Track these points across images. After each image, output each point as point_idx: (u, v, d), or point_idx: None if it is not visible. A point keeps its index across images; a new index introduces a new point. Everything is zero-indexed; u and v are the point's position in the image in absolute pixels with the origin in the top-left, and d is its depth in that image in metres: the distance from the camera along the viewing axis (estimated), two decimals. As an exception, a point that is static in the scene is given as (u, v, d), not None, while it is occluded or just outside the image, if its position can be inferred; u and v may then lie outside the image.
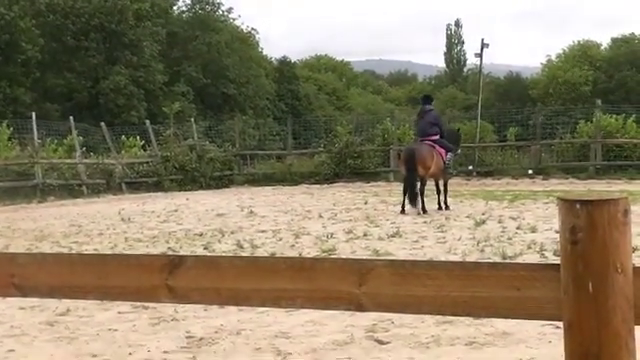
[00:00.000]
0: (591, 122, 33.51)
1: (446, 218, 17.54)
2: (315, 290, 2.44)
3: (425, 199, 19.34)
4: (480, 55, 41.09)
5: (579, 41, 72.14)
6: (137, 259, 2.80)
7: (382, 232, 15.08)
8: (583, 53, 69.03)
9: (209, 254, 12.41)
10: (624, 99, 51.57)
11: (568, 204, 2.15)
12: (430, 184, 20.21)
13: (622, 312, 2.10)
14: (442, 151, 20.00)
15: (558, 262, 2.17)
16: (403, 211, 19.11)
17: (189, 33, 59.17)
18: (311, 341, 7.19)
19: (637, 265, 2.17)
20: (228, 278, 2.52)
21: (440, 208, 19.88)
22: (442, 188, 20.22)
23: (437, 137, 20.08)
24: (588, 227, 2.10)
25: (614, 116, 33.57)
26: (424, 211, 18.96)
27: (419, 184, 19.19)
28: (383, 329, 7.44)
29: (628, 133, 32.77)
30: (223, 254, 12.33)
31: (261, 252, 12.89)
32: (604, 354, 2.11)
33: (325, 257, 11.77)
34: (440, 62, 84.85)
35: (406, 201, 19.14)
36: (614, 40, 70.80)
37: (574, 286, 2.12)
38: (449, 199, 20.41)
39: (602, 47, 71.57)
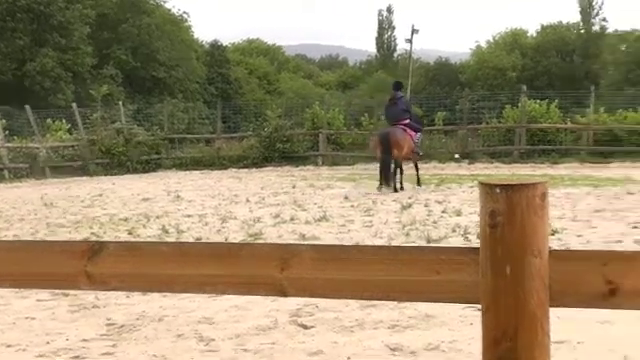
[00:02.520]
0: (516, 107, 33.99)
1: (373, 202, 17.64)
2: (237, 276, 2.43)
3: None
4: (410, 40, 41.51)
5: (508, 28, 73.08)
6: (56, 245, 2.76)
7: (309, 216, 15.11)
8: (512, 40, 69.89)
9: (133, 239, 12.33)
10: (548, 85, 52.40)
11: (488, 188, 2.17)
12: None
13: (538, 295, 2.14)
14: (413, 134, 21.45)
15: (478, 246, 2.19)
16: (380, 189, 20.23)
17: (119, 15, 58.40)
18: (235, 326, 7.17)
19: (554, 248, 2.21)
20: (150, 264, 2.50)
21: (419, 185, 21.43)
22: (414, 168, 21.92)
23: (408, 121, 21.45)
24: (507, 211, 2.13)
25: (538, 101, 34.10)
26: (401, 188, 20.46)
27: (393, 165, 20.66)
28: (307, 313, 7.46)
29: (551, 118, 33.34)
30: (148, 239, 12.27)
31: (187, 237, 12.83)
32: (520, 336, 2.14)
33: (249, 242, 11.77)
34: (371, 47, 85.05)
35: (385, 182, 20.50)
36: (543, 27, 71.79)
37: (492, 269, 2.15)
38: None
39: (530, 34, 72.57)
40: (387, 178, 20.43)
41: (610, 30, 69.11)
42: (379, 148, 20.88)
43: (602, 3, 66.07)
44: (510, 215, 2.13)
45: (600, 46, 66.77)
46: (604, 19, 67.17)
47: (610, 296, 2.16)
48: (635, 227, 12.85)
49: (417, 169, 21.87)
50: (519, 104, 33.80)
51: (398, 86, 22.76)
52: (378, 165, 21.26)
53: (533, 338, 2.15)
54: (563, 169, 27.94)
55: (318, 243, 10.87)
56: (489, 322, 2.19)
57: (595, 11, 66.18)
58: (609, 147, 31.98)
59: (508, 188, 2.14)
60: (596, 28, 67.04)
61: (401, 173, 21.24)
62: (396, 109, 21.55)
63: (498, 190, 2.15)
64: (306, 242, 11.70)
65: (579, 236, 12.04)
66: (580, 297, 2.19)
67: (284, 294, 2.45)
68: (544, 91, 38.64)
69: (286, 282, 2.40)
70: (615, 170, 26.79)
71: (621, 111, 34.00)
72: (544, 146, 32.40)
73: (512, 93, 38.50)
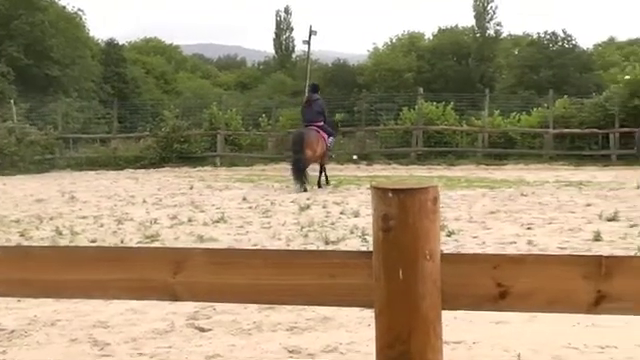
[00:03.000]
0: (413, 109, 34.43)
1: (271, 203, 17.62)
2: (129, 280, 2.40)
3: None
4: (308, 42, 41.59)
5: (405, 31, 73.99)
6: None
7: (207, 217, 15.00)
8: (409, 43, 70.74)
9: (25, 242, 12.05)
10: (445, 87, 53.18)
11: (381, 192, 2.18)
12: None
13: (431, 298, 2.16)
14: (325, 136, 21.99)
15: (372, 249, 2.20)
16: (299, 188, 20.59)
17: (11, 12, 56.99)
18: (131, 330, 7.07)
19: (446, 251, 2.24)
20: (38, 269, 2.44)
21: (320, 186, 21.57)
22: (324, 169, 22.37)
23: (322, 123, 21.99)
24: (400, 215, 2.14)
25: (435, 104, 34.64)
26: (305, 190, 20.57)
27: (304, 166, 21.09)
28: (205, 316, 7.39)
29: (448, 120, 33.93)
30: (41, 241, 12.01)
31: (81, 239, 12.59)
32: (413, 338, 2.16)
33: (143, 244, 11.62)
34: (269, 48, 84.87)
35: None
36: (439, 31, 72.86)
37: (385, 273, 2.16)
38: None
39: (426, 37, 73.57)
40: (297, 177, 20.90)
41: (505, 34, 70.60)
42: (292, 148, 21.42)
43: (496, 7, 67.39)
44: (402, 219, 2.14)
45: (495, 50, 68.08)
46: (499, 23, 68.54)
47: (500, 299, 2.19)
48: (529, 228, 13.14)
49: (324, 171, 22.37)
50: (416, 106, 34.26)
51: (315, 88, 23.29)
52: (290, 165, 21.70)
53: (426, 341, 2.17)
54: (459, 171, 28.40)
55: (213, 246, 10.81)
56: (382, 325, 2.20)
57: (490, 15, 67.45)
58: (504, 149, 32.69)
59: (400, 192, 2.15)
60: (491, 32, 68.32)
61: (320, 173, 21.95)
62: (311, 111, 22.00)
63: (390, 194, 2.16)
64: (204, 244, 11.64)
65: (475, 237, 12.23)
66: (472, 300, 2.22)
67: (177, 298, 2.42)
68: (440, 93, 39.23)
69: (179, 286, 2.37)
70: (509, 172, 27.38)
71: (515, 114, 34.81)
72: (441, 148, 32.91)
73: (409, 95, 38.99)
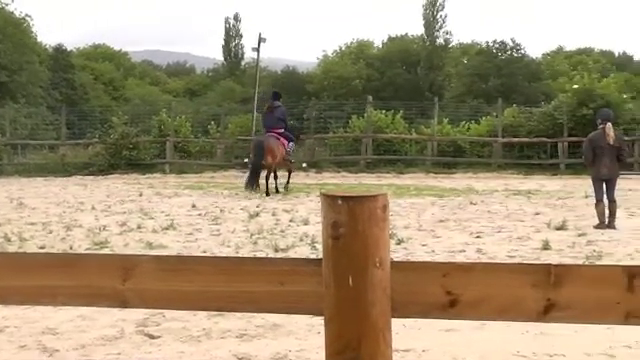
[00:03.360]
0: (363, 117, 34.50)
1: (221, 210, 17.56)
2: (78, 286, 2.37)
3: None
4: (257, 49, 41.46)
5: (355, 39, 74.22)
6: None
7: (156, 224, 14.91)
8: (358, 50, 70.96)
9: (-28, 248, 11.87)
10: (394, 96, 53.39)
11: (330, 200, 2.17)
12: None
13: (380, 305, 2.15)
14: (285, 142, 22.71)
15: (321, 257, 2.19)
16: (267, 194, 21.45)
17: (-43, 17, 56.24)
18: (80, 337, 7.00)
19: (395, 259, 2.23)
20: (-18, 275, 2.39)
21: (278, 192, 22.34)
22: (286, 174, 23.54)
23: (282, 130, 22.74)
24: (349, 223, 2.13)
25: (384, 112, 34.76)
26: (277, 192, 22.02)
27: (265, 171, 21.93)
28: (154, 323, 7.34)
29: (397, 129, 34.06)
30: (-13, 248, 11.82)
31: (30, 245, 12.44)
32: (363, 346, 2.15)
33: (92, 251, 11.50)
34: (218, 55, 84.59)
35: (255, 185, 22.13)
36: (389, 39, 73.18)
37: (335, 280, 2.15)
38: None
39: (376, 45, 73.84)
40: (251, 182, 21.90)
41: (454, 43, 71.11)
42: (252, 153, 22.19)
43: (446, 16, 67.78)
44: (352, 226, 2.13)
45: (444, 58, 68.54)
46: (448, 32, 68.96)
47: (450, 307, 2.19)
48: (478, 237, 13.24)
49: (289, 176, 23.50)
50: (365, 114, 34.34)
51: (276, 96, 23.54)
52: (249, 171, 22.38)
53: (376, 348, 2.16)
54: (408, 179, 28.53)
55: (163, 253, 10.75)
56: (332, 333, 2.19)
57: (439, 24, 67.89)
58: (453, 158, 32.89)
59: (350, 200, 2.14)
60: (440, 41, 68.77)
61: (275, 179, 22.42)
62: (272, 117, 22.57)
63: (340, 202, 2.15)
64: (153, 251, 11.57)
65: (424, 245, 12.31)
66: (421, 308, 2.21)
67: (126, 305, 2.40)
68: (390, 102, 39.39)
69: (128, 293, 2.35)
70: (458, 180, 27.56)
71: (464, 123, 35.05)
72: (390, 156, 33.02)
73: (358, 103, 39.08)
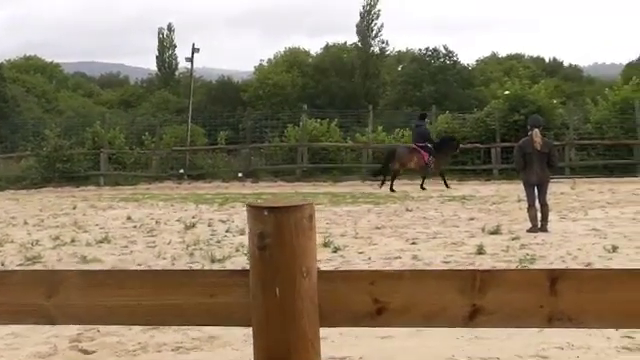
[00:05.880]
0: (298, 126, 34.55)
1: (156, 222, 17.42)
2: (3, 304, 2.33)
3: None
4: (191, 59, 41.29)
5: (290, 47, 74.24)
6: None
7: (90, 238, 14.72)
8: (293, 59, 70.99)
9: None
10: (329, 104, 53.53)
11: (256, 211, 2.17)
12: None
13: (308, 315, 2.15)
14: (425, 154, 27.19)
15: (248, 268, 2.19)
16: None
17: None
18: (12, 354, 6.88)
19: (334, 268, 2.24)
20: None
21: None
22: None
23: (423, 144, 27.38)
24: (275, 233, 2.14)
25: (319, 120, 34.84)
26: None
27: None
28: (88, 338, 7.25)
29: (332, 137, 34.17)
30: None
31: (-40, 262, 12.20)
32: (292, 356, 2.15)
33: (16, 269, 11.28)
34: (152, 65, 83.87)
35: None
36: (325, 48, 73.33)
37: (262, 291, 2.15)
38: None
39: (312, 54, 73.94)
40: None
41: (389, 51, 71.46)
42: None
43: (382, 26, 68.08)
44: (279, 237, 2.14)
45: (379, 66, 68.85)
46: (384, 41, 69.26)
47: (378, 314, 2.20)
48: (413, 243, 13.33)
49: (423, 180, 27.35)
50: (300, 123, 34.40)
51: (423, 116, 29.18)
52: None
53: (305, 358, 2.17)
54: (345, 187, 28.62)
55: (97, 267, 10.64)
56: (261, 344, 2.20)
57: (374, 32, 68.18)
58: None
59: (276, 210, 2.15)
60: (375, 49, 69.07)
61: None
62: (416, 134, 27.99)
63: (266, 212, 2.15)
64: (87, 265, 11.42)
65: (360, 253, 12.35)
66: (349, 316, 2.22)
67: (53, 322, 2.37)
68: (325, 110, 39.51)
69: (54, 309, 2.32)
70: (395, 187, 27.65)
71: (398, 130, 35.24)
72: (326, 164, 33.10)
73: (294, 112, 39.12)
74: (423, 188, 26.35)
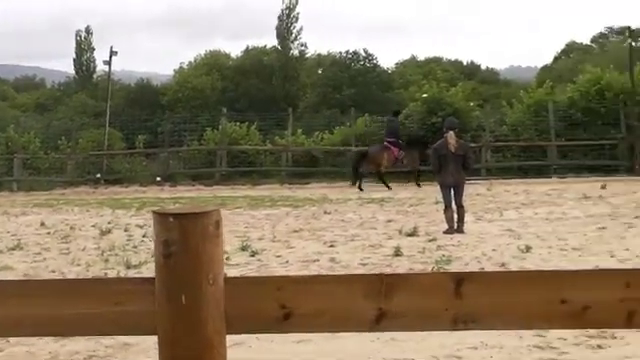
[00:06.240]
0: (217, 129, 34.39)
1: (71, 228, 17.14)
2: None
3: None
4: (109, 62, 40.82)
5: (210, 50, 73.82)
6: None
7: (2, 245, 14.40)
8: (213, 62, 70.64)
9: None
10: (249, 107, 53.40)
11: (161, 218, 2.15)
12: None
13: (214, 322, 2.14)
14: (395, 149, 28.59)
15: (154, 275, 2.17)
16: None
17: None
18: None
19: (251, 272, 2.23)
20: None
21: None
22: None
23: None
24: (181, 240, 2.12)
25: (239, 124, 34.74)
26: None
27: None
28: (-2, 348, 7.11)
29: (252, 140, 34.11)
30: None
31: None
32: (198, 364, 2.13)
33: None
34: (70, 68, 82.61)
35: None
36: (245, 50, 73.11)
37: (167, 299, 2.13)
38: None
39: (232, 57, 73.61)
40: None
41: (309, 53, 71.55)
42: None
43: (301, 29, 68.14)
44: (184, 244, 2.12)
45: (299, 69, 68.91)
46: (303, 44, 69.31)
47: (285, 320, 2.20)
48: (331, 246, 13.38)
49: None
50: (220, 126, 34.25)
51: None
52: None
53: (211, 366, 2.15)
54: (264, 190, 28.53)
55: (8, 275, 10.45)
56: (166, 352, 2.17)
57: (293, 35, 68.22)
58: (307, 168, 33.07)
59: (182, 217, 2.13)
60: (295, 52, 69.10)
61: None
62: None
63: (171, 219, 2.13)
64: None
65: (278, 256, 12.35)
66: (256, 322, 2.21)
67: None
68: (245, 113, 39.41)
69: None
70: (313, 190, 27.74)
71: (318, 133, 35.31)
72: (245, 168, 32.99)
73: (213, 115, 38.90)
74: (419, 185, 27.51)
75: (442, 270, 9.66)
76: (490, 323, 2.21)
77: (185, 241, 2.12)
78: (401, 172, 30.73)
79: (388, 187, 27.18)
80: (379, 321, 2.20)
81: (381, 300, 2.19)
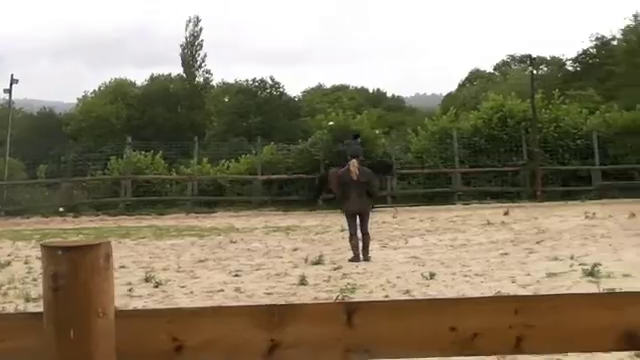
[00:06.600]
0: (122, 158, 34.03)
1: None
2: None
3: None
4: (9, 91, 40.07)
5: (115, 78, 73.14)
6: None
7: None
8: (117, 90, 69.98)
9: None
10: (155, 135, 53.00)
11: (50, 251, 2.12)
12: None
13: (104, 356, 2.11)
14: None
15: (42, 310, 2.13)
16: None
17: None
18: None
19: (155, 303, 2.20)
20: None
21: None
22: None
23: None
24: (70, 273, 2.09)
25: (144, 152, 34.44)
26: None
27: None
28: None
29: (157, 169, 33.84)
30: None
31: None
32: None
33: None
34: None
35: None
36: (150, 78, 72.59)
37: (56, 334, 2.10)
38: None
39: (138, 84, 73.04)
40: None
41: (214, 81, 71.43)
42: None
43: (205, 56, 68.03)
44: (73, 277, 2.09)
45: (204, 97, 68.71)
46: (208, 71, 69.21)
47: (176, 353, 2.18)
48: (236, 275, 13.32)
49: None
50: (124, 155, 33.90)
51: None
52: None
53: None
54: (169, 220, 28.31)
55: None
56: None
57: (198, 63, 68.07)
58: (213, 197, 32.96)
59: (70, 250, 2.10)
60: (200, 79, 68.95)
61: None
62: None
63: (60, 252, 2.10)
64: None
65: (182, 287, 12.23)
66: (147, 355, 2.19)
67: None
68: (150, 142, 39.08)
69: None
70: (219, 219, 27.64)
71: (224, 161, 35.24)
72: (150, 197, 32.69)
73: (117, 144, 38.48)
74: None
75: (347, 299, 9.69)
76: (382, 352, 2.23)
77: (74, 274, 2.09)
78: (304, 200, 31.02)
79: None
80: (272, 352, 2.20)
81: (273, 331, 2.19)
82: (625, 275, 11.78)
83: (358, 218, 15.11)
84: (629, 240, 16.41)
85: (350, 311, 2.21)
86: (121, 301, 10.85)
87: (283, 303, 2.26)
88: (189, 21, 67.35)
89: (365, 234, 15.08)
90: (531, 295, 3.81)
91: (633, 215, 21.24)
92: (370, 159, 30.09)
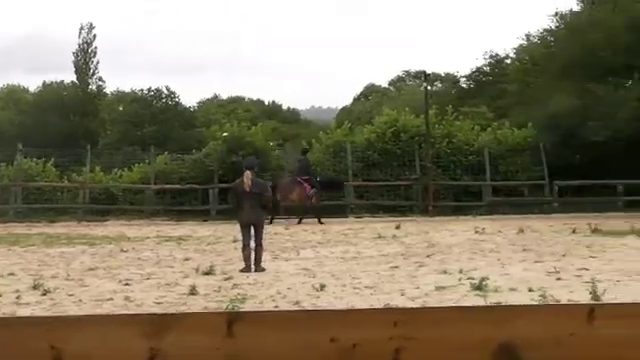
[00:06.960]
0: (12, 165, 33.31)
1: None
2: None
3: None
4: None
5: (8, 84, 71.64)
6: None
7: None
8: (9, 96, 68.58)
9: None
10: (48, 143, 52.01)
11: None
12: None
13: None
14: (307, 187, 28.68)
15: None
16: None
17: None
18: None
19: (43, 311, 2.18)
20: None
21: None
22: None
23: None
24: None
25: (35, 159, 33.79)
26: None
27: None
28: None
29: (48, 177, 33.24)
30: None
31: None
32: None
33: None
34: None
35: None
36: (44, 85, 71.22)
37: None
38: None
39: (31, 91, 71.64)
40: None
41: (108, 89, 70.45)
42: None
43: (98, 63, 67.03)
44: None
45: (98, 105, 67.77)
46: (100, 79, 68.22)
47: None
48: (126, 284, 13.21)
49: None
50: (15, 162, 33.18)
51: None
52: None
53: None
54: (60, 227, 27.77)
55: None
56: None
57: (91, 70, 67.05)
58: (105, 205, 32.53)
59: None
60: (93, 87, 67.94)
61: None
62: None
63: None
64: None
65: (71, 295, 12.06)
66: (26, 365, 2.17)
67: None
68: (42, 149, 38.31)
69: None
70: (111, 228, 27.27)
71: (117, 170, 34.81)
72: (41, 205, 32.08)
73: (9, 151, 37.62)
74: (321, 222, 27.33)
75: (236, 309, 9.70)
76: (262, 362, 2.26)
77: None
78: (197, 211, 30.91)
79: (272, 220, 26.80)
80: (151, 361, 2.21)
81: (153, 340, 2.20)
82: (512, 289, 12.09)
83: (252, 229, 15.15)
84: (516, 255, 16.84)
85: (231, 321, 2.24)
86: (8, 309, 10.67)
87: (168, 312, 2.27)
88: (82, 28, 66.19)
89: (258, 245, 15.11)
90: (411, 308, 3.90)
91: (521, 231, 21.81)
92: (320, 176, 30.38)
